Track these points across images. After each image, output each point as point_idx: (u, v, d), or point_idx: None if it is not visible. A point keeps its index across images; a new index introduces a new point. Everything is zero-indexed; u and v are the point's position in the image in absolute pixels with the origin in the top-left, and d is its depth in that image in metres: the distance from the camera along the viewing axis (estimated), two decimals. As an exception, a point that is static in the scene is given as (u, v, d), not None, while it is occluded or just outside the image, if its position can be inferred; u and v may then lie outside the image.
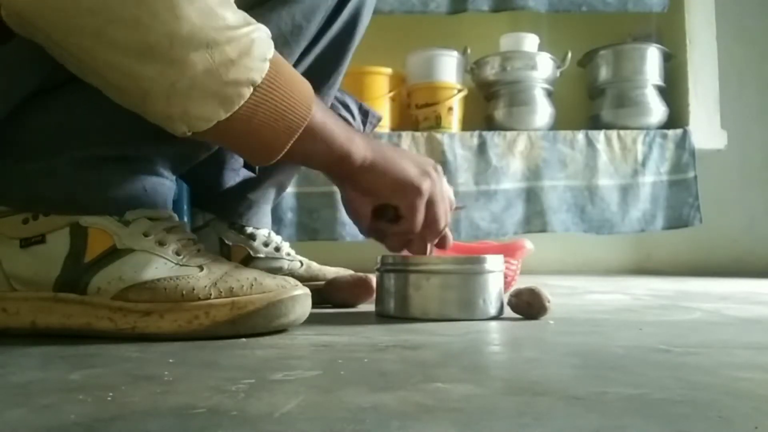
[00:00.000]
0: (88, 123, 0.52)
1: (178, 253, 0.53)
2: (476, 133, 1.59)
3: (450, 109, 1.64)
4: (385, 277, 0.67)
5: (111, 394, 0.32)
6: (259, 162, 0.54)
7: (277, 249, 0.82)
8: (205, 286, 0.51)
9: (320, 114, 0.54)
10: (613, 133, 1.62)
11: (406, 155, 0.63)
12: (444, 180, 0.65)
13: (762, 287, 1.16)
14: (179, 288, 0.50)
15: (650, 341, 0.52)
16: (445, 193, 0.64)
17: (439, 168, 0.65)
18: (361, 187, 0.60)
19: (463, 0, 1.63)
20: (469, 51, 1.71)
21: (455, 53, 1.68)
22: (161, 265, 0.51)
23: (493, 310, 0.65)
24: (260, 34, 0.48)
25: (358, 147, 0.57)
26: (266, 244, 0.82)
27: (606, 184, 1.61)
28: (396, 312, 0.66)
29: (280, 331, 0.54)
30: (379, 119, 0.95)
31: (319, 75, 0.68)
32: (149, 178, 0.54)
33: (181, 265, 0.52)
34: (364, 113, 0.89)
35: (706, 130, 1.68)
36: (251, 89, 0.47)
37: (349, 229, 1.52)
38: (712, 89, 1.71)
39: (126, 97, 0.48)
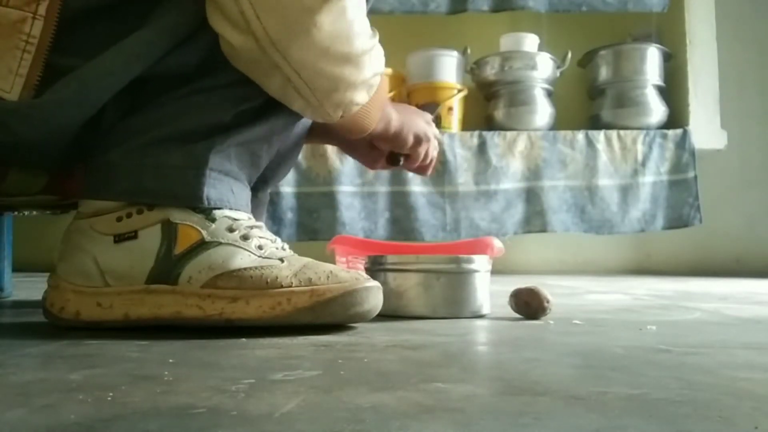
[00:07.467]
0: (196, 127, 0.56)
1: (260, 248, 0.56)
2: (476, 133, 1.59)
3: (450, 109, 1.64)
4: (377, 276, 0.66)
5: (111, 394, 0.32)
6: (356, 134, 0.65)
7: (277, 249, 0.82)
8: (287, 276, 0.54)
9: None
10: (613, 133, 1.62)
11: (412, 111, 0.77)
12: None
13: (762, 287, 1.16)
14: (264, 276, 0.53)
15: (650, 341, 0.52)
16: (435, 135, 0.81)
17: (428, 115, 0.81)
18: (390, 140, 0.73)
19: (463, 0, 1.63)
20: (469, 51, 1.71)
21: (455, 53, 1.68)
22: (246, 257, 0.54)
23: (485, 309, 0.67)
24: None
25: (391, 111, 0.70)
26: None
27: (606, 184, 1.61)
28: (388, 311, 0.65)
29: (284, 331, 0.54)
30: None
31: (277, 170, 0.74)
32: (236, 183, 0.58)
33: (263, 257, 0.55)
34: None
35: (706, 130, 1.68)
36: (379, 77, 0.60)
37: (349, 229, 1.52)
38: (712, 89, 1.71)
39: (315, 93, 0.55)
